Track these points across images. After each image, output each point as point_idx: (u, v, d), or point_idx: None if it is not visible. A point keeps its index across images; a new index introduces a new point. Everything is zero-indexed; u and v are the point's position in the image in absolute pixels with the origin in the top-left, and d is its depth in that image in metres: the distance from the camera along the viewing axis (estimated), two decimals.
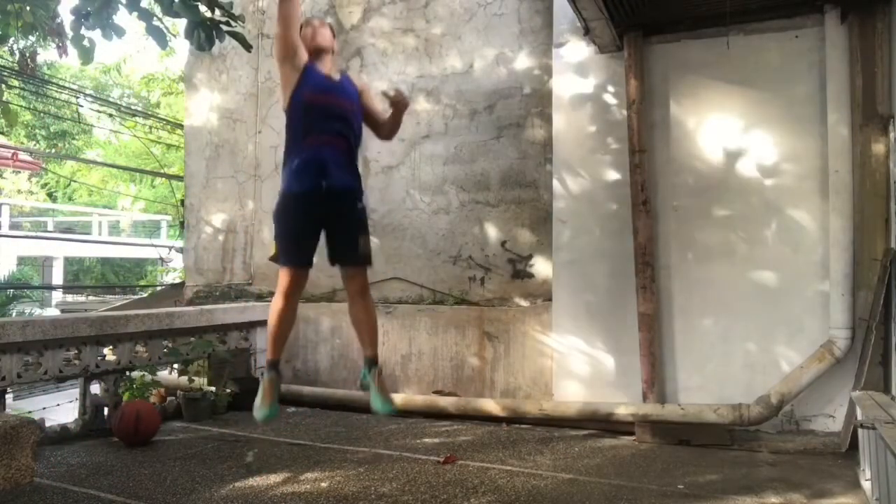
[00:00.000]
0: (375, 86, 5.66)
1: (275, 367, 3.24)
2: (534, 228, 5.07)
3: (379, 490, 3.14)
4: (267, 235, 5.81)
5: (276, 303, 3.28)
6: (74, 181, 20.68)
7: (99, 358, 4.33)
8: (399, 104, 3.49)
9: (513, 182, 5.16)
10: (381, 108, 3.64)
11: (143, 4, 3.68)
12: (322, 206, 3.28)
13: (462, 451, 3.87)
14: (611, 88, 4.61)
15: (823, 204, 4.07)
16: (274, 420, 3.18)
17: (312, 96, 3.34)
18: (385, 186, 5.60)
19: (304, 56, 3.33)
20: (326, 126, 3.34)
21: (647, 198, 4.35)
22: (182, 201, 7.04)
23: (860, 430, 3.25)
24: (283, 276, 3.27)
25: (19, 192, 20.05)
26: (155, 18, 3.68)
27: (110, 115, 15.43)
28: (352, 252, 3.33)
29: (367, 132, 3.57)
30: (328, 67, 3.46)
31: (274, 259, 3.29)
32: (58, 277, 17.22)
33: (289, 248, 3.28)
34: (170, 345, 4.81)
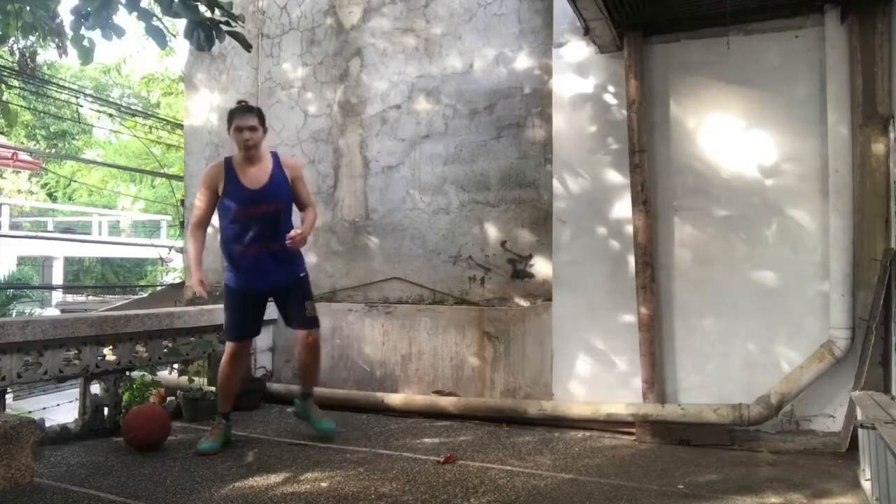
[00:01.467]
0: (375, 86, 5.68)
1: (227, 417, 3.91)
2: (534, 228, 5.08)
3: (379, 490, 3.14)
4: None
5: (226, 368, 3.87)
6: (74, 181, 20.70)
7: (99, 358, 4.33)
8: (298, 237, 3.75)
9: (513, 182, 5.17)
10: (306, 194, 4.00)
11: (143, 4, 3.68)
12: (265, 294, 3.88)
13: (462, 451, 3.87)
14: (611, 88, 4.61)
15: (823, 204, 4.07)
16: (214, 454, 3.70)
17: (238, 211, 3.70)
18: (385, 186, 5.60)
19: (220, 185, 3.74)
20: (255, 234, 3.71)
21: (647, 198, 4.35)
22: (182, 201, 7.04)
23: (860, 430, 3.25)
24: (228, 349, 3.87)
25: (19, 192, 20.06)
26: (155, 18, 3.68)
27: (110, 115, 15.43)
28: (301, 317, 3.86)
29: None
30: (257, 160, 3.77)
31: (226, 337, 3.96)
32: (58, 277, 17.23)
33: (235, 328, 3.87)
34: (170, 345, 4.81)
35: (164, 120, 14.57)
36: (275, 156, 3.86)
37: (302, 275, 3.91)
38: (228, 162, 3.80)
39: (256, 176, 3.73)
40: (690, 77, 4.42)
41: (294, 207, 3.93)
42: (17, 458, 2.12)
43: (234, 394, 4.00)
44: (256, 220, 3.70)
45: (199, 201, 3.81)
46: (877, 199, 3.93)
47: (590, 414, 4.35)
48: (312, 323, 3.89)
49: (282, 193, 3.79)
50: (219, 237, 6.31)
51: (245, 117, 3.72)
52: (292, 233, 3.69)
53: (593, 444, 4.12)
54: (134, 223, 20.17)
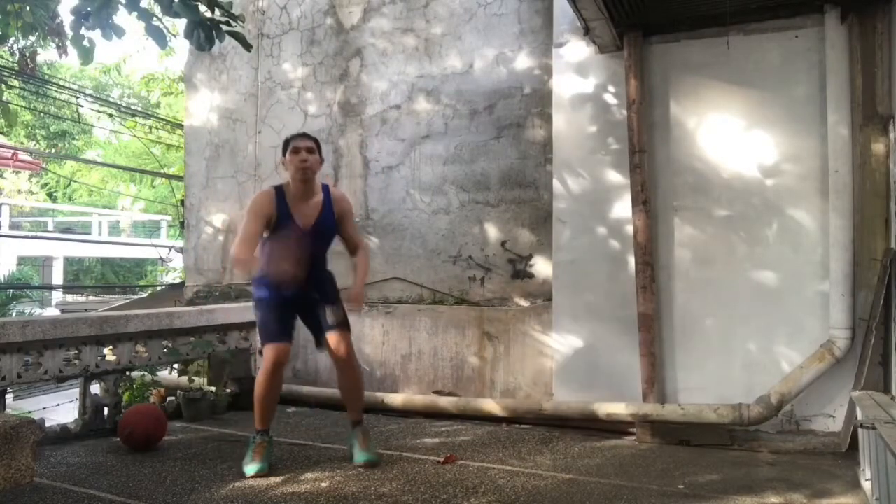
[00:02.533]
0: (375, 86, 5.67)
1: (266, 433, 3.54)
2: (534, 228, 5.08)
3: (379, 490, 3.14)
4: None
5: (263, 379, 3.50)
6: (74, 181, 20.70)
7: (99, 358, 4.32)
8: (354, 299, 3.64)
9: (513, 182, 5.17)
10: (355, 233, 3.78)
11: (143, 4, 3.68)
12: (298, 302, 3.54)
13: (462, 451, 3.86)
14: (611, 88, 4.61)
15: (823, 204, 4.07)
16: (265, 475, 3.37)
17: (284, 244, 3.45)
18: (385, 186, 5.60)
19: (271, 214, 3.46)
20: (300, 266, 3.42)
21: (647, 198, 4.35)
22: (182, 201, 7.04)
23: (860, 430, 3.25)
24: (268, 353, 3.49)
25: (19, 192, 20.07)
26: (155, 18, 3.68)
27: (110, 115, 15.43)
28: (329, 320, 3.54)
29: None
30: (310, 192, 3.53)
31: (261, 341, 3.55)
32: (58, 277, 17.24)
33: (272, 328, 3.52)
34: (170, 345, 4.81)
35: (164, 120, 14.57)
36: (325, 187, 3.63)
37: (328, 274, 3.68)
38: (279, 191, 3.52)
39: (309, 212, 3.52)
40: (690, 77, 4.42)
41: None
42: (17, 458, 2.12)
43: (274, 408, 3.62)
44: (302, 256, 3.44)
45: (249, 226, 3.46)
46: (877, 199, 3.93)
47: (590, 414, 4.34)
48: (340, 326, 3.55)
49: (329, 231, 3.61)
50: (219, 237, 6.36)
51: (303, 139, 3.53)
52: (356, 297, 3.61)
53: (593, 444, 4.12)
54: (134, 223, 20.17)
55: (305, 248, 3.45)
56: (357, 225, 3.93)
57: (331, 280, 3.65)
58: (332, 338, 3.54)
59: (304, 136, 3.59)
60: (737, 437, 4.05)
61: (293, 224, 3.47)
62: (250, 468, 3.36)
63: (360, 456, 3.53)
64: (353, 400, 3.68)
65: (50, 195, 22.07)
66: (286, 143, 3.55)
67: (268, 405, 3.54)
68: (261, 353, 3.62)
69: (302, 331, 5.28)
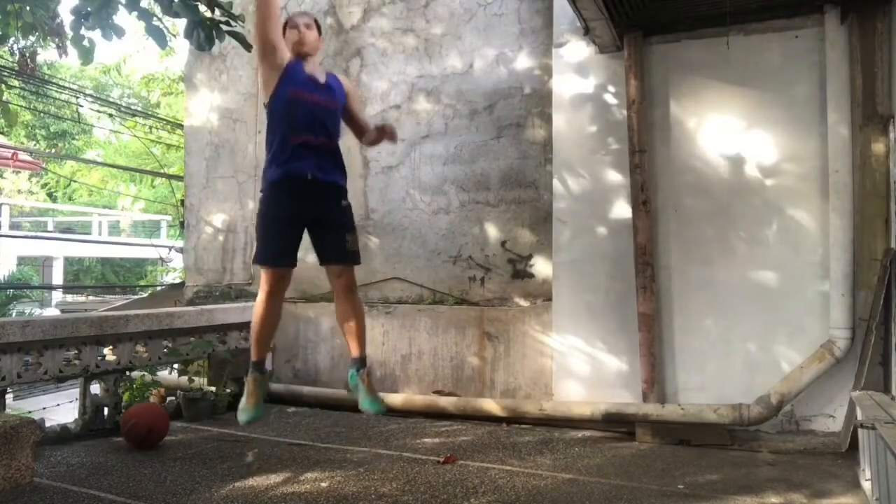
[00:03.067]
0: (375, 86, 5.67)
1: (259, 367, 3.24)
2: (534, 228, 5.07)
3: (379, 490, 3.14)
4: None
5: (260, 304, 3.23)
6: (74, 181, 20.69)
7: (99, 358, 4.33)
8: (388, 135, 3.41)
9: (513, 182, 5.16)
10: (365, 120, 3.57)
11: (143, 4, 3.68)
12: (307, 200, 3.22)
13: (462, 451, 3.86)
14: (611, 88, 4.61)
15: (823, 204, 4.07)
16: (258, 421, 3.18)
17: (296, 94, 3.25)
18: (385, 186, 5.60)
19: (285, 55, 3.23)
20: (311, 126, 3.26)
21: (647, 198, 4.35)
22: (182, 201, 7.04)
23: (860, 430, 3.25)
24: (266, 277, 3.22)
25: (19, 192, 20.05)
26: (155, 18, 3.68)
27: (110, 115, 15.43)
28: (339, 250, 3.27)
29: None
30: (312, 68, 3.35)
31: (256, 260, 3.26)
32: (58, 277, 17.22)
33: (272, 248, 3.23)
34: (170, 345, 4.81)
35: (164, 120, 14.57)
36: (331, 73, 3.49)
37: (345, 203, 3.37)
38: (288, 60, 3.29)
39: (315, 72, 3.33)
40: (690, 77, 4.42)
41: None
42: (17, 458, 2.13)
43: (271, 338, 3.40)
44: (312, 106, 3.26)
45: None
46: (877, 199, 3.93)
47: (590, 414, 4.35)
48: (351, 257, 3.30)
49: (339, 96, 3.39)
50: (219, 237, 6.36)
51: (301, 16, 3.38)
52: (387, 128, 3.38)
53: (593, 444, 4.12)
54: (134, 223, 20.16)
55: (314, 96, 3.26)
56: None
57: (347, 207, 3.36)
58: (342, 270, 3.28)
59: (303, 13, 3.47)
60: (737, 437, 4.05)
61: (302, 70, 3.26)
62: (247, 415, 3.12)
63: (368, 403, 3.19)
64: (358, 331, 3.33)
65: (50, 195, 22.06)
66: (284, 23, 3.34)
67: (264, 333, 3.28)
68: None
69: (302, 332, 5.27)
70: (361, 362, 3.30)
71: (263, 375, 3.26)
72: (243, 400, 3.17)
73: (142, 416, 3.93)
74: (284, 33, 3.33)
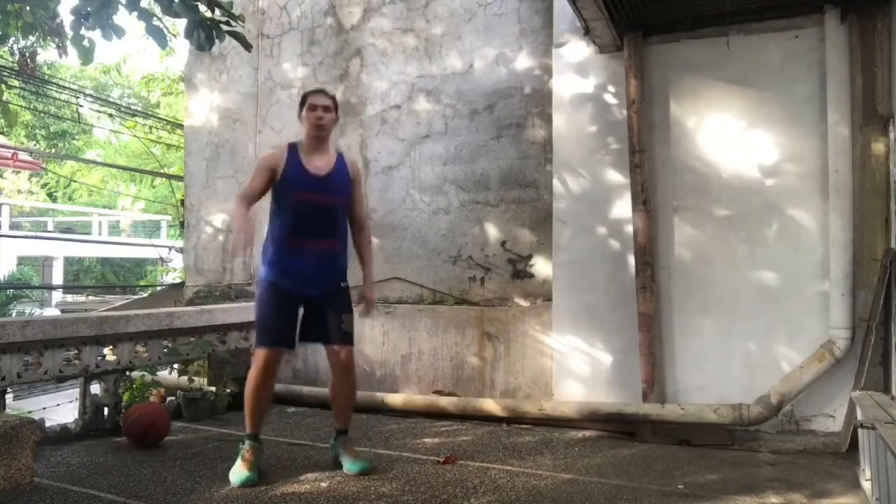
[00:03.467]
0: (375, 86, 5.67)
1: (256, 437, 3.39)
2: (534, 228, 5.08)
3: (379, 490, 3.14)
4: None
5: (255, 381, 3.33)
6: (74, 181, 20.69)
7: (99, 358, 4.32)
8: (364, 307, 3.62)
9: (513, 182, 5.17)
10: (362, 202, 3.71)
11: (143, 4, 3.68)
12: (302, 298, 3.38)
13: (462, 451, 3.86)
14: (611, 88, 4.61)
15: (823, 204, 4.07)
16: (253, 485, 3.19)
17: (302, 196, 3.34)
18: (385, 186, 5.60)
19: (276, 173, 3.34)
20: (314, 225, 3.36)
21: (647, 198, 4.35)
22: (182, 201, 7.04)
23: (860, 430, 3.25)
24: (261, 357, 3.32)
25: (19, 192, 20.06)
26: (155, 18, 3.68)
27: (110, 115, 15.43)
28: (335, 331, 3.40)
29: None
30: (323, 150, 3.45)
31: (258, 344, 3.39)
32: (58, 277, 17.23)
33: (272, 330, 3.35)
34: (170, 345, 4.81)
35: (164, 120, 14.57)
36: (340, 154, 3.58)
37: (344, 285, 3.51)
38: (293, 147, 3.43)
39: (322, 164, 3.41)
40: (690, 77, 4.42)
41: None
42: (17, 458, 2.12)
43: (266, 413, 3.48)
44: (315, 209, 3.36)
45: (252, 180, 3.38)
46: (877, 199, 3.94)
47: (590, 414, 4.35)
48: (347, 338, 3.44)
49: (344, 187, 3.48)
50: (219, 237, 6.36)
51: (320, 97, 3.46)
52: (368, 302, 3.57)
53: (593, 444, 4.12)
54: (134, 223, 20.17)
55: (318, 197, 3.35)
56: (365, 197, 3.76)
57: (345, 288, 3.51)
58: (339, 348, 3.42)
59: (322, 92, 3.52)
60: (737, 437, 4.05)
61: (305, 170, 3.36)
62: (238, 477, 3.19)
63: (351, 465, 3.39)
64: (345, 408, 3.55)
65: (50, 195, 22.06)
66: (304, 98, 3.47)
67: (260, 408, 3.38)
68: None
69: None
70: (344, 433, 3.52)
71: (260, 445, 3.41)
72: (238, 465, 3.28)
73: (143, 413, 3.97)
74: (301, 112, 3.44)
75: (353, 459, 3.42)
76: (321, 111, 3.38)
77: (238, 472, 3.23)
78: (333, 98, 3.50)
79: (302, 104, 3.45)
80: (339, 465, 3.45)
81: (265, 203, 3.45)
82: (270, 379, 3.37)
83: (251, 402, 3.35)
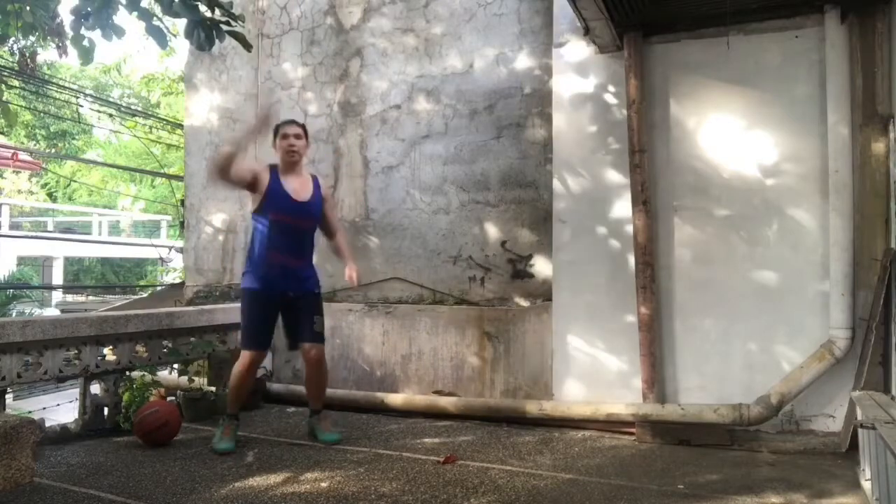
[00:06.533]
0: (375, 86, 5.67)
1: (236, 417, 4.02)
2: (534, 228, 5.07)
3: (379, 490, 3.14)
4: None
5: (240, 377, 3.95)
6: (74, 181, 20.70)
7: (99, 358, 4.33)
8: (349, 277, 4.09)
9: (513, 182, 5.17)
10: (335, 219, 4.32)
11: (143, 4, 3.68)
12: (282, 303, 3.93)
13: (462, 451, 3.87)
14: (611, 88, 4.61)
15: (823, 204, 4.07)
16: (232, 452, 3.79)
17: (277, 217, 3.85)
18: (385, 186, 5.60)
19: (261, 177, 3.87)
20: (289, 244, 3.89)
21: (647, 198, 4.35)
22: (182, 201, 7.04)
23: (860, 430, 3.25)
24: (247, 357, 3.92)
25: (19, 192, 20.06)
26: (155, 18, 3.68)
27: (110, 115, 15.43)
28: (307, 331, 3.96)
29: None
30: (296, 173, 3.96)
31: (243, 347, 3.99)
32: (58, 277, 17.24)
33: (252, 337, 3.95)
34: (170, 345, 4.81)
35: (164, 120, 14.57)
36: (315, 178, 4.10)
37: (317, 291, 4.06)
38: (273, 167, 3.95)
39: (301, 189, 3.92)
40: (690, 77, 4.42)
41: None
42: (17, 458, 2.12)
43: (245, 397, 4.19)
44: (295, 231, 3.89)
45: (244, 166, 3.90)
46: (877, 199, 3.93)
47: (590, 414, 4.35)
48: (318, 338, 3.99)
49: (317, 208, 4.01)
50: (219, 237, 6.36)
51: (291, 126, 3.98)
52: (353, 274, 4.02)
53: (593, 444, 4.12)
54: (134, 223, 20.18)
55: (299, 221, 3.89)
56: (338, 204, 4.39)
57: (317, 294, 4.06)
58: (312, 347, 3.95)
59: (293, 122, 4.06)
60: (737, 437, 4.05)
61: (286, 194, 3.86)
62: (221, 445, 3.80)
63: (325, 436, 3.98)
64: (318, 394, 4.12)
65: (50, 195, 22.07)
66: (276, 128, 3.99)
67: (241, 395, 4.06)
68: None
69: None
70: (318, 412, 4.12)
71: (238, 421, 4.04)
72: (218, 435, 3.89)
73: (163, 410, 4.09)
74: (275, 141, 4.00)
75: (326, 432, 4.04)
76: (293, 139, 3.92)
77: (221, 441, 3.84)
78: (303, 126, 4.06)
79: (275, 134, 3.99)
80: (314, 437, 4.04)
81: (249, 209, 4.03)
82: (253, 375, 4.08)
83: (234, 390, 3.99)
